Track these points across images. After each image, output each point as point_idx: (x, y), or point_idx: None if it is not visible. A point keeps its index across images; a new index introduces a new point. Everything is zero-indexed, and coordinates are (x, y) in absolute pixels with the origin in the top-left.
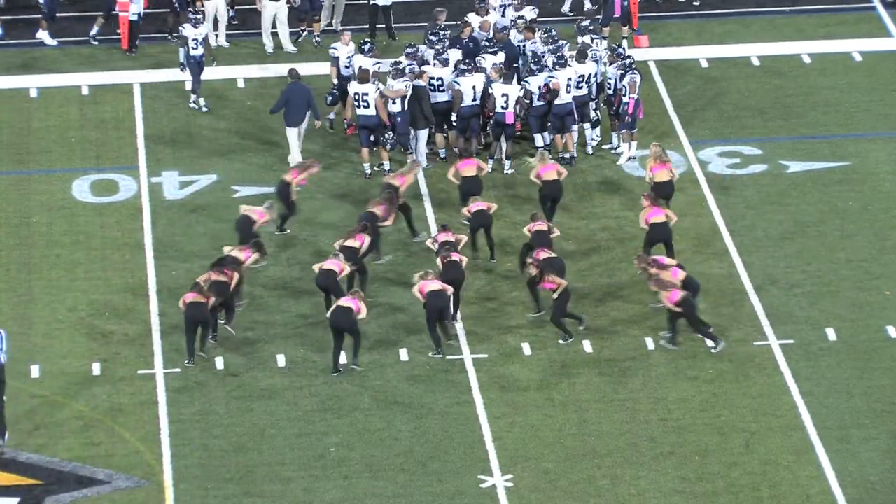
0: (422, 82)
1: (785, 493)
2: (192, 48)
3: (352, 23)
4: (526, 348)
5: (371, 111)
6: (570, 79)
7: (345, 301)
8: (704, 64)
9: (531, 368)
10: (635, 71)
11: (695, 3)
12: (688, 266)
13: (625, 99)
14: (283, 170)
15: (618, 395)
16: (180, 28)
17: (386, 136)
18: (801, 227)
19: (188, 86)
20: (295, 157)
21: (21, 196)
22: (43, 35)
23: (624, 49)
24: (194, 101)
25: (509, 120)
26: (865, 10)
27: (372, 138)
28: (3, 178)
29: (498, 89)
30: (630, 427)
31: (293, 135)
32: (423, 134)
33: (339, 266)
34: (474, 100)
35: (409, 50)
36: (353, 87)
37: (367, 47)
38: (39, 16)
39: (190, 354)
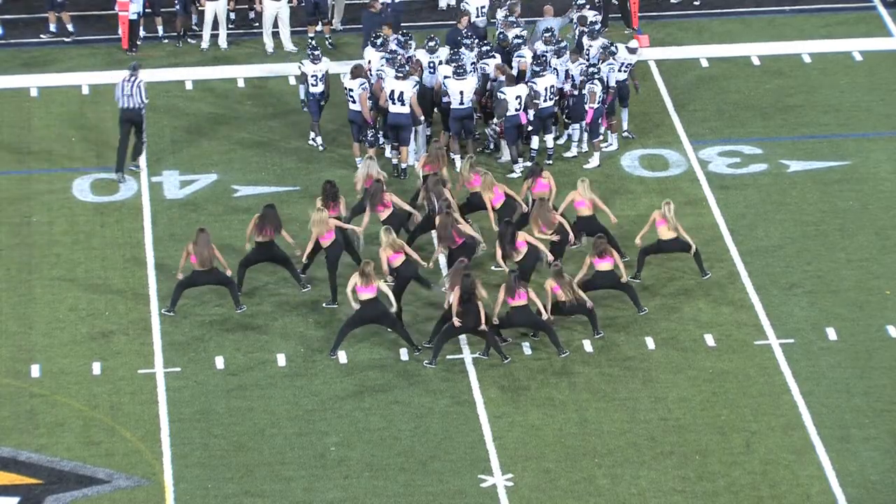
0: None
1: (785, 493)
2: (312, 85)
3: (352, 22)
4: (526, 348)
5: (357, 107)
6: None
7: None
8: (704, 64)
9: (531, 368)
10: (595, 81)
11: (695, 3)
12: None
13: (586, 106)
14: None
15: (618, 395)
16: (299, 65)
17: (367, 133)
18: (801, 227)
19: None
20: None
21: (21, 195)
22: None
23: (617, 48)
24: (312, 139)
25: (524, 121)
26: (865, 9)
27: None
28: (3, 178)
29: (511, 92)
30: (630, 427)
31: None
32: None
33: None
34: (461, 103)
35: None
36: (345, 82)
37: (379, 41)
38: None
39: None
